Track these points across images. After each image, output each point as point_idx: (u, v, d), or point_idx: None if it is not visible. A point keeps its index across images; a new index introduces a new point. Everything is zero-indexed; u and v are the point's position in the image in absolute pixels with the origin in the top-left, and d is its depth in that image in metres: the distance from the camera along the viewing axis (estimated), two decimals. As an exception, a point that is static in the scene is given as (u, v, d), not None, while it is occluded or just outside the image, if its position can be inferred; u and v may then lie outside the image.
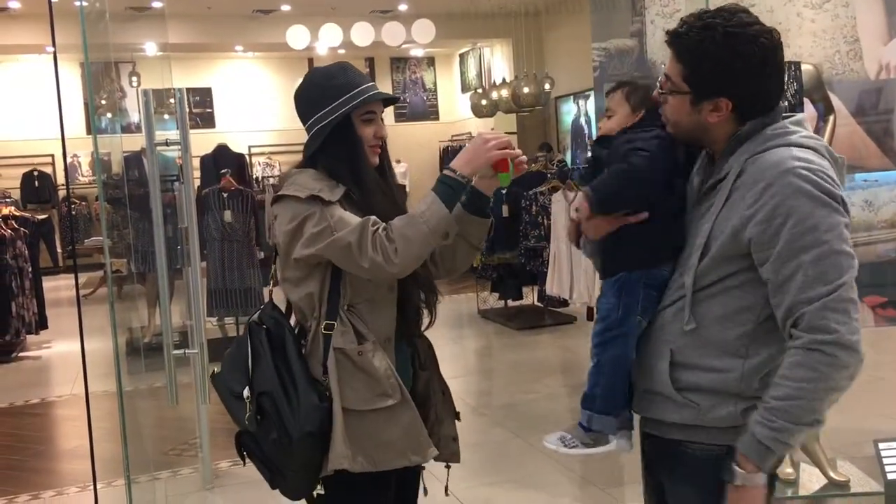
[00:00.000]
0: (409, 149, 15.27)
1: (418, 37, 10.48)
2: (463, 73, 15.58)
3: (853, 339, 1.50)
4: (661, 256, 1.73)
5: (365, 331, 1.92)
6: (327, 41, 10.82)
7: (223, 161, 7.37)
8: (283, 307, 2.03)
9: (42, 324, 7.83)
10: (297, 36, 10.29)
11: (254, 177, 12.76)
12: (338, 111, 1.92)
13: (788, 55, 4.32)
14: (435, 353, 2.13)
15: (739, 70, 1.56)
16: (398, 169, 15.25)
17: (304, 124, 1.99)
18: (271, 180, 11.97)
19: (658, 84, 1.69)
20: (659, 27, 3.85)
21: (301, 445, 1.84)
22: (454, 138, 14.69)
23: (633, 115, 1.83)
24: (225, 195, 6.76)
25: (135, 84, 11.00)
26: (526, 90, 10.72)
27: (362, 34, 10.44)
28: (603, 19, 4.08)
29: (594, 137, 1.99)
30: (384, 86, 15.58)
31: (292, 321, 2.01)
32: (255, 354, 1.93)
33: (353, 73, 1.98)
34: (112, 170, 8.02)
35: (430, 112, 15.95)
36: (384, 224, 1.85)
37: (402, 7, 11.86)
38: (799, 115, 1.66)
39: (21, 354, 7.54)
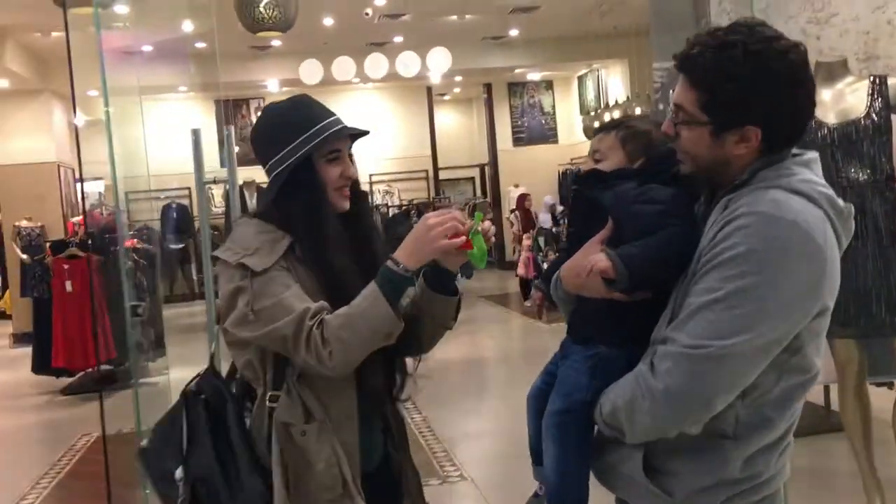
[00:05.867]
0: (528, 172, 15.19)
1: (433, 66, 10.45)
2: (581, 96, 15.38)
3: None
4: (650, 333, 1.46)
5: (314, 406, 1.63)
6: (438, 68, 10.97)
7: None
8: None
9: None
10: (407, 64, 10.54)
11: (373, 204, 13.28)
12: (296, 152, 1.69)
13: (878, 67, 4.00)
14: (406, 430, 1.87)
15: (767, 91, 1.33)
16: (514, 193, 15.21)
17: (265, 168, 1.77)
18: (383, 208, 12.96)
19: (669, 117, 1.46)
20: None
21: None
22: (573, 161, 14.49)
23: (629, 162, 1.56)
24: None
25: (259, 118, 11.60)
26: (638, 110, 10.42)
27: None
28: (665, 40, 3.91)
29: (576, 175, 1.65)
30: (502, 111, 15.61)
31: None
32: (191, 429, 1.67)
33: (311, 108, 1.76)
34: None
35: (548, 135, 15.81)
36: (323, 316, 1.59)
37: (513, 32, 11.86)
38: (809, 155, 1.43)
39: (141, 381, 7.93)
